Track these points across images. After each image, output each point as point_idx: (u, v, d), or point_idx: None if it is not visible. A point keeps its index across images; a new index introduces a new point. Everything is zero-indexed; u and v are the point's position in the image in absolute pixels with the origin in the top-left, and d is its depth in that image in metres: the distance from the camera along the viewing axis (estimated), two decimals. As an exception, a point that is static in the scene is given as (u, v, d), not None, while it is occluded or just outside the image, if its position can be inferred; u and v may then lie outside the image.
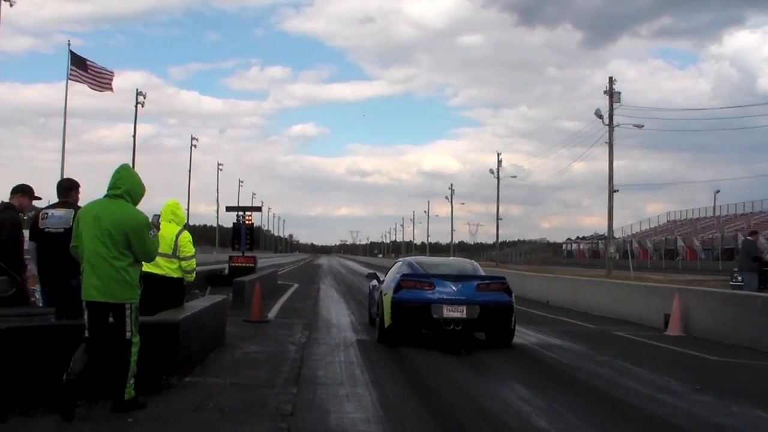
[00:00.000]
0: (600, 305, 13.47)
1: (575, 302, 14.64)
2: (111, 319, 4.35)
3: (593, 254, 65.50)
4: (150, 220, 4.68)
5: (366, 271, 17.81)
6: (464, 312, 8.03)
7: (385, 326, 8.26)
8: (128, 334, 4.38)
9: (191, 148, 61.16)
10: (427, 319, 8.07)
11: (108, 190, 4.52)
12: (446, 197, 72.73)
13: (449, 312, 8.04)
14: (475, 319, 8.06)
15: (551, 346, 8.64)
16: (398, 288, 8.25)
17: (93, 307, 4.37)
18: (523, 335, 9.53)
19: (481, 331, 8.46)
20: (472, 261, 10.05)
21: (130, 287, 4.40)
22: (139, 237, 4.40)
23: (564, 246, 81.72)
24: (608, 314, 12.80)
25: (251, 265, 19.58)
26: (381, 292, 8.81)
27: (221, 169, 74.58)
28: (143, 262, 4.62)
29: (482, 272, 9.05)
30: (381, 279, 9.69)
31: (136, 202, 4.55)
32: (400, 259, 10.00)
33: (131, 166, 5.04)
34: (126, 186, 4.50)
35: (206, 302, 7.03)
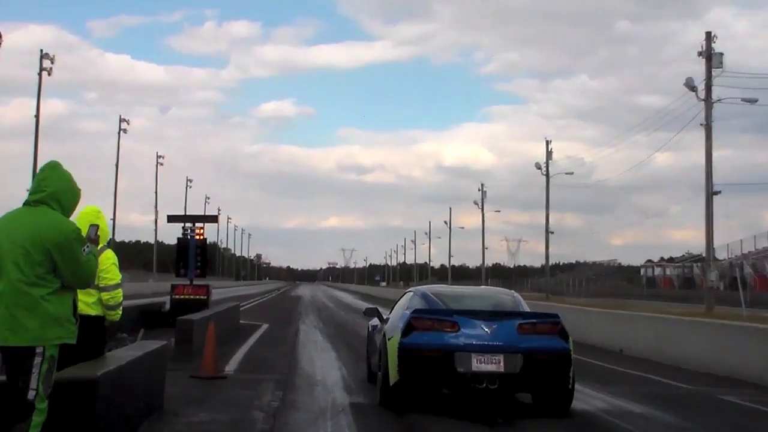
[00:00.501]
0: (698, 356, 13.35)
1: (661, 351, 14.53)
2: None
3: (686, 283, 65.29)
4: (87, 231, 4.78)
5: (363, 305, 17.80)
6: (502, 364, 7.87)
7: (391, 384, 8.14)
8: (31, 394, 4.38)
9: (119, 133, 62.05)
10: (450, 374, 7.90)
11: (29, 196, 4.61)
12: (475, 202, 72.85)
13: (480, 364, 7.86)
14: (516, 374, 7.90)
15: (627, 414, 8.58)
16: (409, 329, 8.11)
17: (8, 354, 4.39)
18: (586, 398, 9.49)
19: (526, 391, 8.49)
20: (512, 292, 10.05)
21: (54, 323, 4.42)
22: (67, 254, 4.46)
23: (643, 271, 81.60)
24: (711, 370, 12.69)
25: (203, 297, 19.55)
26: (384, 335, 8.73)
27: (162, 164, 75.67)
28: (78, 291, 4.70)
29: (526, 308, 9.07)
30: (385, 317, 9.77)
31: (67, 210, 4.64)
32: (412, 289, 10.04)
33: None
34: (52, 188, 4.59)
35: (137, 351, 6.98)
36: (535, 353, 7.94)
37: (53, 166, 4.74)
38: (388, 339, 8.39)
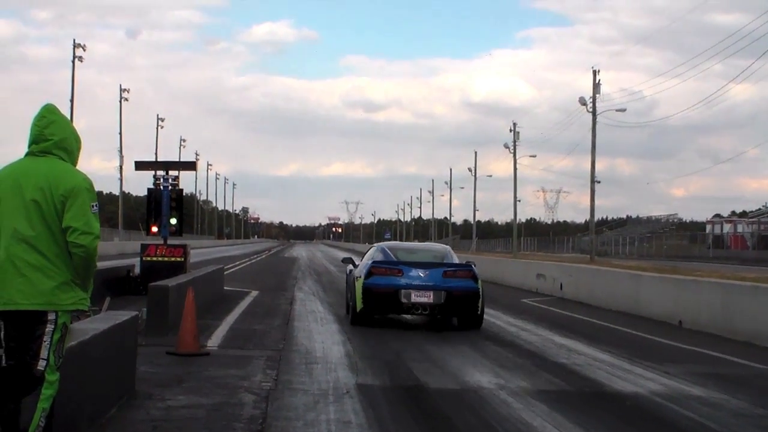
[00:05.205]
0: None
1: (729, 324, 14.61)
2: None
3: (762, 242, 65.22)
4: None
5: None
6: (431, 297, 13.76)
7: (357, 310, 14.13)
8: (41, 364, 4.60)
9: (74, 61, 61.59)
10: (396, 304, 13.85)
11: (30, 146, 4.83)
12: (506, 145, 72.39)
13: (417, 297, 13.76)
14: (441, 304, 13.81)
15: (686, 398, 8.69)
16: (369, 274, 14.01)
17: (16, 320, 4.60)
18: (638, 378, 9.62)
19: (449, 316, 14.37)
20: (447, 247, 16.36)
21: (68, 286, 4.70)
22: (76, 205, 4.72)
23: (709, 228, 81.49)
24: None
25: (179, 259, 19.72)
26: (354, 277, 14.64)
27: (126, 99, 75.36)
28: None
29: (454, 260, 14.94)
30: (356, 264, 15.65)
31: (73, 160, 4.90)
32: (376, 245, 16.51)
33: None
34: (58, 136, 4.82)
35: (102, 323, 7.07)
36: (454, 290, 13.84)
37: (53, 110, 4.92)
38: (356, 279, 14.31)
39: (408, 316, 14.99)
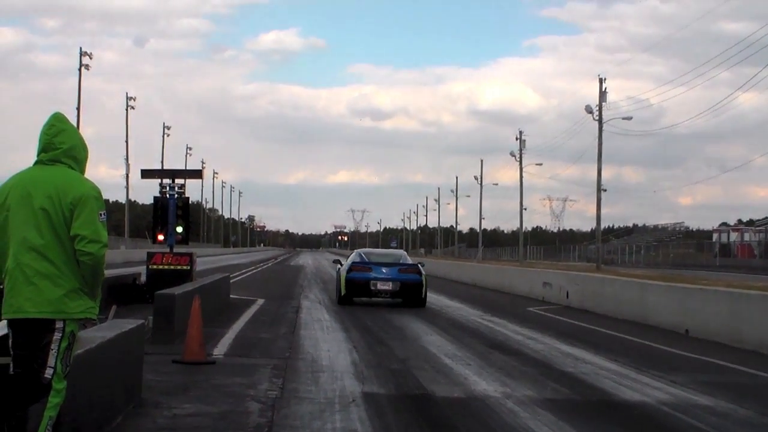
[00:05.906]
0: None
1: (736, 333, 14.57)
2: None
3: None
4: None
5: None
6: (390, 286, 20.81)
7: (342, 294, 21.19)
8: (49, 373, 4.63)
9: (80, 69, 61.76)
10: (367, 290, 20.85)
11: (40, 154, 4.87)
12: (512, 153, 72.39)
13: (381, 286, 20.77)
14: (397, 290, 20.84)
15: (693, 407, 8.67)
16: (350, 270, 21.17)
17: (25, 328, 4.63)
18: (644, 387, 9.61)
19: (402, 298, 21.02)
20: (403, 251, 25.64)
21: (76, 295, 4.73)
22: (84, 213, 4.75)
23: (716, 236, 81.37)
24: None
25: (185, 267, 19.76)
26: (340, 272, 21.82)
27: (132, 107, 75.57)
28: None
29: (408, 261, 22.22)
30: (342, 263, 22.72)
31: (81, 169, 4.93)
32: (356, 251, 24.12)
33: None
34: (67, 144, 4.86)
35: (109, 332, 7.09)
36: (406, 281, 20.88)
37: (62, 119, 4.96)
38: (342, 274, 21.56)
39: (377, 299, 21.09)
